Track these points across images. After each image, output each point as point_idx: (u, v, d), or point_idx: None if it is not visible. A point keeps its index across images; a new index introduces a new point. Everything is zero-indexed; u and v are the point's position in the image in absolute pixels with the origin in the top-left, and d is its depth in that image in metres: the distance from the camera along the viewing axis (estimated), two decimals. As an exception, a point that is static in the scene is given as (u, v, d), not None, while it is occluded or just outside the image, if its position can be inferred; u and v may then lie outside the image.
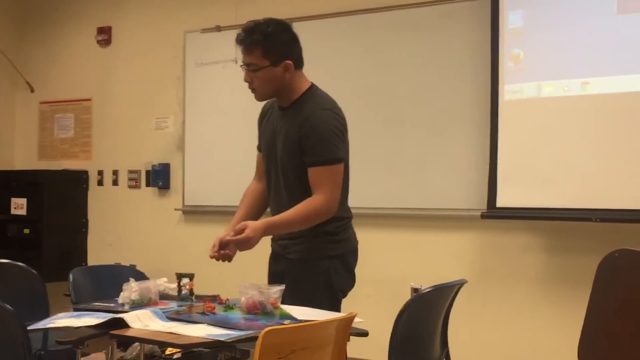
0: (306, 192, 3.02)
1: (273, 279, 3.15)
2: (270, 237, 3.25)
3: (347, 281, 3.14)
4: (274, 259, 3.25)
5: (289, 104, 3.14)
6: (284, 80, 3.08)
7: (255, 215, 3.27)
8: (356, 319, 2.44)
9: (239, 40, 3.09)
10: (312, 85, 3.17)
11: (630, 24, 4.27)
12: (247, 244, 2.92)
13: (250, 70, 3.08)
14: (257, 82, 3.09)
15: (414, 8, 5.11)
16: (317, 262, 3.07)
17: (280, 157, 3.12)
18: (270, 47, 3.04)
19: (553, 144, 4.49)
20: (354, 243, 3.19)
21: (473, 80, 4.88)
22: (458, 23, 4.97)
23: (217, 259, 2.98)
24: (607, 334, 2.77)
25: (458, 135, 4.95)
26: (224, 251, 2.96)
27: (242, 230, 2.93)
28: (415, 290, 4.88)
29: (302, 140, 3.03)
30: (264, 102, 3.30)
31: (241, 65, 3.13)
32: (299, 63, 3.13)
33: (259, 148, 3.35)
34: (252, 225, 2.95)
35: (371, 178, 5.08)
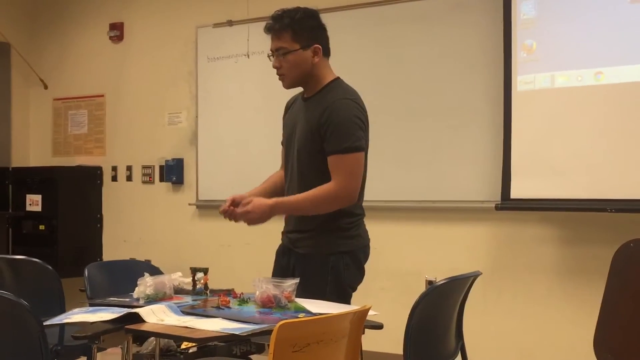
0: (321, 182, 3.02)
1: (281, 273, 3.14)
2: (282, 230, 3.26)
3: (357, 278, 3.14)
4: (283, 252, 3.25)
5: (313, 94, 3.15)
6: (313, 65, 3.10)
7: (275, 192, 3.25)
8: (371, 312, 2.43)
9: (268, 28, 3.11)
10: (338, 78, 3.18)
11: (644, 13, 4.24)
12: (246, 215, 2.97)
13: (280, 54, 3.09)
14: (287, 66, 3.09)
15: (426, 0, 5.09)
16: (326, 257, 3.06)
17: (298, 147, 3.13)
18: (299, 31, 3.07)
19: (567, 134, 4.47)
20: (366, 240, 3.18)
21: (486, 72, 4.86)
22: (470, 14, 4.95)
23: (224, 214, 3.02)
24: (622, 324, 2.76)
25: (471, 126, 4.94)
26: (232, 209, 3.00)
27: (247, 204, 2.97)
28: (429, 282, 4.87)
29: (322, 128, 3.03)
30: (288, 98, 3.31)
31: (269, 55, 3.15)
32: (326, 51, 3.16)
33: (283, 143, 3.35)
34: (257, 201, 2.99)
35: (384, 171, 5.07)
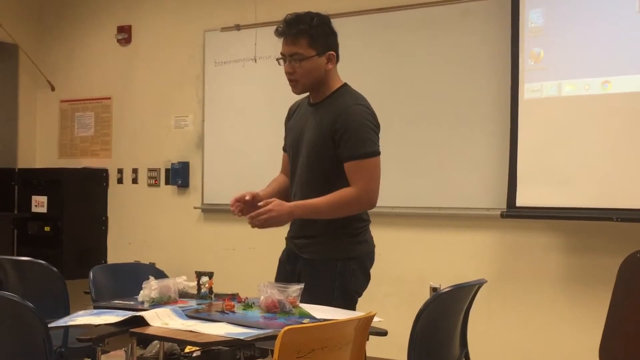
0: (330, 189, 3.02)
1: (286, 279, 3.12)
2: (285, 236, 3.26)
3: (363, 283, 3.14)
4: (288, 257, 3.24)
5: (321, 99, 3.15)
6: (326, 71, 3.10)
7: (281, 195, 3.25)
8: (375, 318, 2.43)
9: (280, 32, 3.11)
10: (346, 84, 3.19)
11: (652, 22, 4.24)
12: (268, 214, 2.95)
13: (295, 60, 3.08)
14: (301, 72, 3.09)
15: (434, 7, 5.09)
16: (334, 262, 3.06)
17: (307, 152, 3.12)
18: (316, 37, 3.07)
19: (573, 143, 4.46)
20: (371, 246, 3.19)
21: (493, 79, 4.86)
22: (478, 21, 4.95)
23: (240, 207, 3.03)
24: (629, 334, 2.75)
25: (478, 134, 4.93)
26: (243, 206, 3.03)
27: (269, 204, 2.96)
28: (434, 289, 4.87)
29: (336, 134, 3.03)
30: (292, 102, 3.31)
31: (278, 59, 3.15)
32: (338, 57, 3.17)
33: (285, 148, 3.35)
34: (278, 202, 2.99)
35: (390, 177, 5.02)
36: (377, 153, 3.06)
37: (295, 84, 3.13)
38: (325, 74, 3.11)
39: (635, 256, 2.75)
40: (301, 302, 2.76)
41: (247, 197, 3.07)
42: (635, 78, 4.27)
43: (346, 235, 3.08)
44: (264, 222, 2.98)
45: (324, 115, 3.09)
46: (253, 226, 3.02)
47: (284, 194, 3.29)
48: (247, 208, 3.07)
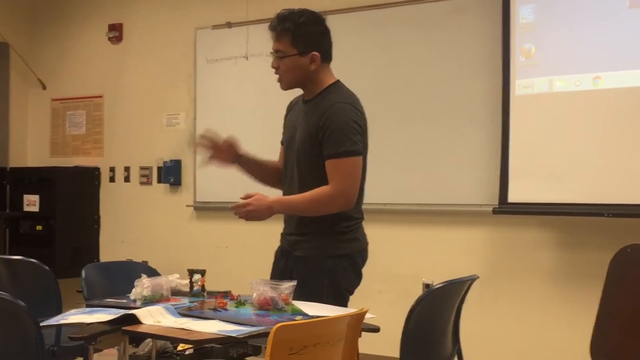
0: (319, 186, 3.02)
1: (280, 275, 3.14)
2: (281, 232, 3.26)
3: (354, 281, 3.14)
4: (282, 254, 3.25)
5: (312, 97, 3.15)
6: (309, 71, 3.10)
7: (265, 172, 3.34)
8: (368, 315, 2.43)
9: (271, 27, 3.12)
10: (338, 81, 3.18)
11: (642, 18, 4.25)
12: (246, 207, 2.97)
13: (278, 57, 3.10)
14: (283, 69, 3.11)
15: (425, 3, 5.10)
16: (324, 260, 3.06)
17: (297, 150, 3.13)
18: (299, 37, 3.07)
19: (565, 139, 4.48)
20: (364, 244, 3.18)
21: (484, 75, 4.87)
22: (469, 18, 4.96)
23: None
24: (619, 328, 2.76)
25: (469, 130, 4.94)
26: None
27: (250, 196, 3.00)
28: (427, 285, 4.89)
29: (320, 132, 3.03)
30: (292, 97, 3.32)
31: (271, 52, 3.16)
32: (327, 56, 3.15)
33: (283, 142, 3.36)
34: (259, 196, 3.00)
35: (382, 174, 5.07)
36: (357, 153, 3.03)
37: (280, 80, 3.15)
38: (311, 73, 3.10)
39: (626, 251, 2.76)
40: (293, 299, 2.76)
41: (220, 142, 3.15)
42: (625, 74, 4.28)
43: (337, 233, 3.08)
44: (244, 216, 2.99)
45: (312, 114, 3.09)
46: (238, 217, 3.03)
47: (267, 173, 3.34)
48: (218, 151, 3.19)
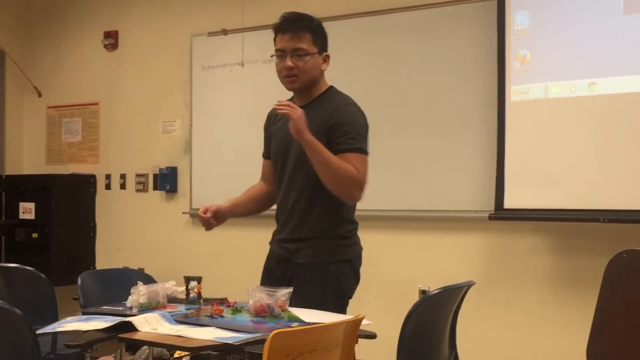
0: (318, 193, 3.03)
1: (277, 284, 3.09)
2: (270, 240, 3.26)
3: (354, 285, 3.16)
4: (278, 263, 3.22)
5: (310, 101, 3.15)
6: (321, 72, 3.14)
7: (253, 205, 3.35)
8: (364, 321, 2.43)
9: (283, 28, 3.11)
10: (332, 87, 3.22)
11: (637, 24, 4.26)
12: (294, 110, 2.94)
13: (299, 55, 3.08)
14: (303, 68, 3.09)
15: (420, 10, 5.10)
16: (327, 266, 3.07)
17: (297, 155, 3.10)
18: (318, 35, 3.13)
19: (560, 144, 4.48)
20: (360, 248, 3.20)
21: (480, 82, 4.87)
22: (464, 24, 4.97)
23: (203, 220, 3.18)
24: (615, 334, 2.76)
25: (465, 136, 4.95)
26: (210, 218, 3.18)
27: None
28: (423, 292, 4.89)
29: (331, 129, 3.03)
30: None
31: (272, 55, 3.16)
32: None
33: (265, 155, 3.35)
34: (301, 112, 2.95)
35: (378, 180, 5.03)
36: (367, 153, 3.10)
37: (295, 80, 3.11)
38: (320, 74, 3.15)
39: (621, 256, 2.76)
40: (293, 306, 2.76)
41: (207, 214, 3.21)
42: (620, 80, 4.29)
43: (338, 238, 3.09)
44: (292, 113, 2.93)
45: (316, 115, 3.06)
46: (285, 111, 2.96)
47: (257, 203, 3.35)
48: (210, 224, 3.25)
